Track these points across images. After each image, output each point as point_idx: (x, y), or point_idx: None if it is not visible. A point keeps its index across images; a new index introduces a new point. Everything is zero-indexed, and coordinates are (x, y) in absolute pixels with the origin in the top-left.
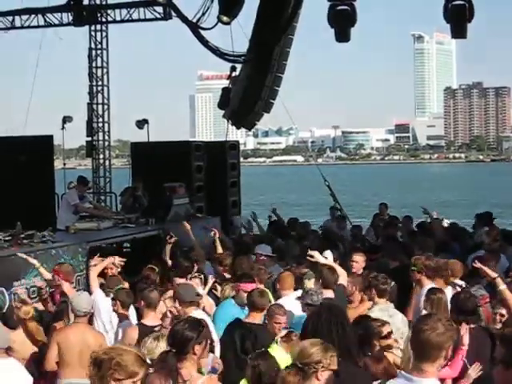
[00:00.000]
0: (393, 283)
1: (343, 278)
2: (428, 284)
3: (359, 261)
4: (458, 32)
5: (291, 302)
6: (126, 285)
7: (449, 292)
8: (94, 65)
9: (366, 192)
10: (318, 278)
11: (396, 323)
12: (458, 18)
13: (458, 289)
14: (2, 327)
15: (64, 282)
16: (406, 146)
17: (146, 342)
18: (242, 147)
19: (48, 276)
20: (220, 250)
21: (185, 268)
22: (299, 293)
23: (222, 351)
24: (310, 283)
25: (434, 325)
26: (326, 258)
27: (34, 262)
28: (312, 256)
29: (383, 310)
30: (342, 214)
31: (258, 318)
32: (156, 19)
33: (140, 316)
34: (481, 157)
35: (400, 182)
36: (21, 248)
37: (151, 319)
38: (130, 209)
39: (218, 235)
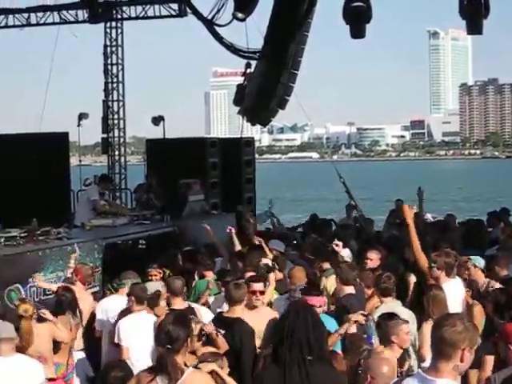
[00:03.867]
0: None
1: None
2: (446, 281)
3: (374, 258)
4: (474, 28)
5: None
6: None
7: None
8: (109, 62)
9: (381, 189)
10: (336, 274)
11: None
12: (474, 14)
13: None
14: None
15: (78, 283)
16: (422, 143)
17: None
18: (257, 144)
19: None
20: (238, 246)
21: (207, 265)
22: None
23: None
24: (328, 280)
25: (453, 322)
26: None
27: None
28: (337, 245)
29: (389, 309)
30: (358, 210)
31: (236, 312)
32: (171, 16)
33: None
34: (496, 153)
35: (416, 179)
36: (36, 244)
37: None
38: (144, 205)
39: (234, 232)
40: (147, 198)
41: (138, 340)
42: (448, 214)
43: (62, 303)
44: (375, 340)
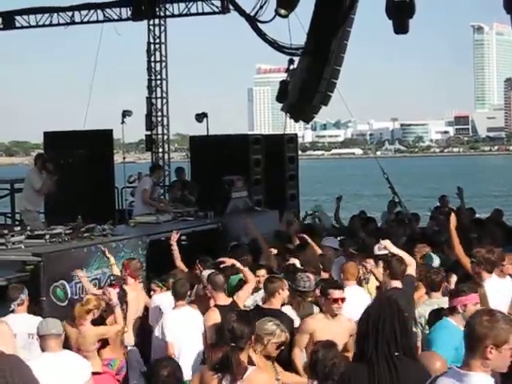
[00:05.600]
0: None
1: (413, 267)
2: (487, 277)
3: (423, 252)
4: None
5: (353, 292)
6: None
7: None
8: (152, 59)
9: (425, 184)
10: (385, 268)
11: None
12: None
13: None
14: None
15: (129, 278)
16: (466, 138)
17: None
18: (300, 140)
19: (117, 272)
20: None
21: (245, 261)
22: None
23: None
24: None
25: (480, 318)
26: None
27: (111, 258)
28: (385, 245)
29: (433, 304)
30: (401, 206)
31: (275, 304)
32: (214, 13)
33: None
34: None
35: (460, 175)
36: (81, 241)
37: (223, 300)
38: (180, 202)
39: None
40: (182, 195)
41: (180, 335)
42: (496, 209)
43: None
44: None
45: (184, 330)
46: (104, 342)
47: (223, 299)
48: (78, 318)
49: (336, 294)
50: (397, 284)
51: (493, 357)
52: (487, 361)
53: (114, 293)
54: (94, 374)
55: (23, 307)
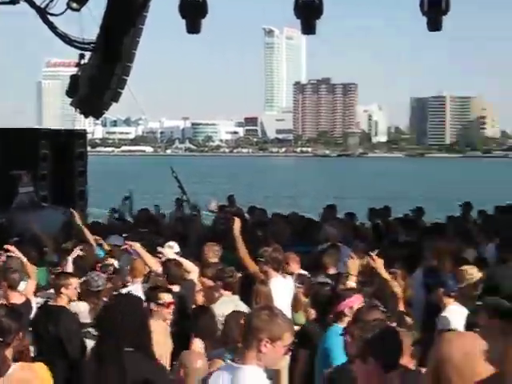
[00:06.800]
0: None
1: (195, 274)
2: (274, 276)
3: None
4: (308, 28)
5: None
6: None
7: (290, 282)
8: None
9: (215, 183)
10: (163, 271)
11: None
12: (308, 15)
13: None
14: None
15: None
16: (255, 139)
17: None
18: (89, 136)
19: None
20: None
21: (31, 257)
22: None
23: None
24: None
25: (259, 312)
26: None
27: None
28: (161, 252)
29: (227, 302)
30: (189, 205)
31: (60, 301)
32: (3, 3)
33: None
34: (327, 151)
35: (248, 175)
36: None
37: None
38: None
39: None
40: None
41: None
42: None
43: None
44: None
45: None
46: None
47: (18, 297)
48: None
49: (166, 297)
50: (175, 289)
51: (267, 351)
52: (261, 354)
53: None
54: None
55: None
